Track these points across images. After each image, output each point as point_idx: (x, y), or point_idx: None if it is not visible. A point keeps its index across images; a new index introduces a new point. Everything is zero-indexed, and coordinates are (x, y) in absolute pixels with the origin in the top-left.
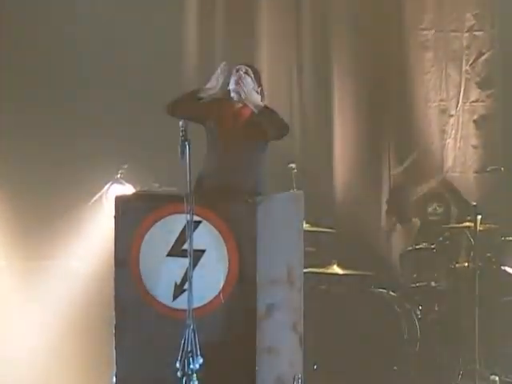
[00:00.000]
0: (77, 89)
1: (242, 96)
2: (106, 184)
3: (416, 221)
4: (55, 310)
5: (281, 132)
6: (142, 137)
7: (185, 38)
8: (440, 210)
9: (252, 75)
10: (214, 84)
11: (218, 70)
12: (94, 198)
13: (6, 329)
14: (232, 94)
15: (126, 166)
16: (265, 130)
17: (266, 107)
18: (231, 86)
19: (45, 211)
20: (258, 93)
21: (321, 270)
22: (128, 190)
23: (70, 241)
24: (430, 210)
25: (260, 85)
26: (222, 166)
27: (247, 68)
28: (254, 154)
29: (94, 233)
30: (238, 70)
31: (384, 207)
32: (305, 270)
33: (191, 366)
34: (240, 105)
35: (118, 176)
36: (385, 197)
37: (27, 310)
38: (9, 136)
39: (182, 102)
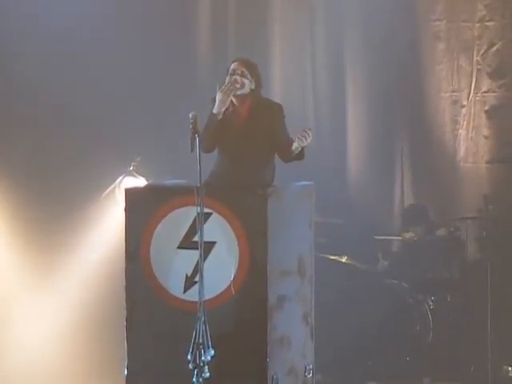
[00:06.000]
0: (90, 80)
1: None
2: (118, 177)
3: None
4: (67, 302)
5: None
6: (155, 129)
7: (197, 36)
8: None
9: (248, 74)
10: (220, 107)
11: (221, 92)
12: (107, 191)
13: (20, 321)
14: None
15: (139, 159)
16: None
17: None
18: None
19: (57, 204)
20: (251, 85)
21: (333, 257)
22: (141, 182)
23: (82, 234)
24: None
25: (257, 77)
26: (233, 162)
27: (243, 70)
28: (261, 149)
29: (107, 225)
30: (233, 73)
31: (396, 198)
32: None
33: (203, 358)
34: (238, 103)
35: (131, 168)
36: (397, 187)
37: (40, 302)
38: (20, 126)
39: (208, 134)
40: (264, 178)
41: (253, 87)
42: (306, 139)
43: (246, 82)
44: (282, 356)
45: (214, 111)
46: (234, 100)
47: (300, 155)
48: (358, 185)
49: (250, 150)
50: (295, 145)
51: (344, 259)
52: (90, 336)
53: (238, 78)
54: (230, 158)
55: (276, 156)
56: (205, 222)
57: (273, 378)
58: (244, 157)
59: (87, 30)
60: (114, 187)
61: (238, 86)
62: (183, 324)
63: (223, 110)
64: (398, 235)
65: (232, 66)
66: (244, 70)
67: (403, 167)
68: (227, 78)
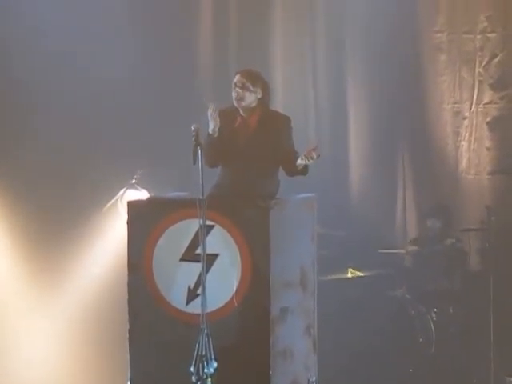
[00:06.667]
0: (92, 94)
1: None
2: (121, 189)
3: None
4: (70, 314)
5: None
6: (157, 142)
7: (198, 47)
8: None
9: (251, 85)
10: (213, 125)
11: (208, 113)
12: (109, 204)
13: (23, 333)
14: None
15: (141, 172)
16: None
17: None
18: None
19: (59, 217)
20: (256, 95)
21: (335, 277)
22: (143, 195)
23: (84, 246)
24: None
25: (263, 85)
26: (237, 174)
27: (243, 81)
28: (268, 161)
29: (109, 238)
30: (235, 87)
31: (398, 209)
32: (321, 278)
33: (205, 371)
34: (246, 114)
35: (133, 181)
36: (399, 199)
37: (42, 314)
38: (24, 141)
39: (209, 152)
40: (267, 191)
41: (259, 96)
42: (312, 159)
43: (247, 93)
44: (284, 368)
45: (210, 131)
46: (241, 112)
47: (304, 170)
48: (359, 196)
49: (255, 162)
50: (299, 161)
51: (349, 274)
52: (92, 348)
53: (239, 90)
54: (235, 170)
55: (280, 170)
56: (207, 235)
57: None
58: (248, 169)
59: (87, 34)
60: (117, 200)
61: (242, 100)
62: (185, 336)
63: (217, 128)
64: (401, 248)
65: (234, 80)
66: (245, 81)
67: (405, 179)
68: (232, 92)
